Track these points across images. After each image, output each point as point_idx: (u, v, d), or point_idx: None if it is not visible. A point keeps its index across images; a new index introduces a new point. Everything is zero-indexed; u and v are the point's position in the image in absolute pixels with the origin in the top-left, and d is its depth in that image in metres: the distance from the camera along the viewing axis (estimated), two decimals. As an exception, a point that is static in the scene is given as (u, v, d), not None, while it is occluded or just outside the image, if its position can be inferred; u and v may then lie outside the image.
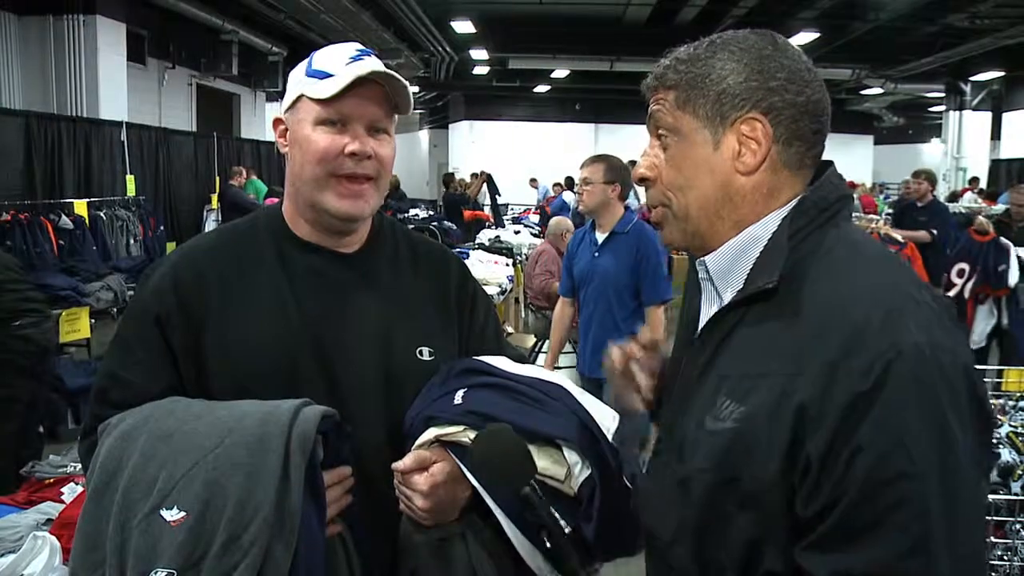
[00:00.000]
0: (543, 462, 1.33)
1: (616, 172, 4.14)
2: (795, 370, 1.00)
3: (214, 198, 12.40)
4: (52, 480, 2.82)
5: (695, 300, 1.27)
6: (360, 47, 1.50)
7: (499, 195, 14.97)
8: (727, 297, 1.16)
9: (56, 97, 10.82)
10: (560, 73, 20.63)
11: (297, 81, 1.48)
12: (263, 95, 17.82)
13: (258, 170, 14.22)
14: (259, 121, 17.82)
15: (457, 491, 1.38)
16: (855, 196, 14.40)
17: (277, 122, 1.53)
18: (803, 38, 14.83)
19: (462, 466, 1.35)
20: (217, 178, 13.05)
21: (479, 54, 18.45)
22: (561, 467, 1.35)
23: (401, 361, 1.51)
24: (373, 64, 1.44)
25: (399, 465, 1.38)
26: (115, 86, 11.32)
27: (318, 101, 1.43)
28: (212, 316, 1.45)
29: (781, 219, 1.13)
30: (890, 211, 11.35)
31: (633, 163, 1.86)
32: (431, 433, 1.38)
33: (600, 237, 4.21)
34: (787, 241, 1.10)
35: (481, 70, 20.78)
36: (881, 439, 0.94)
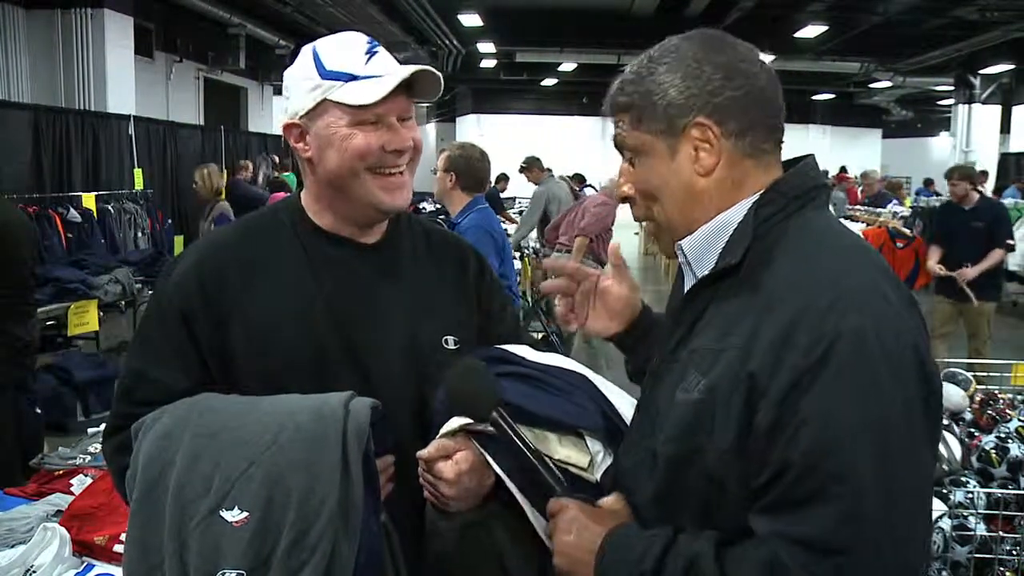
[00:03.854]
0: (567, 450, 1.35)
1: (451, 161, 4.03)
2: (749, 344, 1.07)
3: (223, 191, 12.41)
4: (61, 472, 2.83)
5: (679, 287, 1.32)
6: (366, 38, 1.50)
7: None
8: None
9: (64, 91, 10.84)
10: (567, 66, 20.60)
11: (313, 85, 1.45)
12: (270, 88, 17.84)
13: (266, 163, 14.24)
14: (266, 114, 17.84)
15: (482, 479, 1.39)
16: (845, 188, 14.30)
17: (290, 127, 1.50)
18: (811, 31, 14.79)
19: (486, 454, 1.36)
20: (225, 171, 13.06)
21: (486, 47, 18.44)
22: (584, 455, 1.36)
23: (428, 351, 1.52)
24: (403, 66, 1.45)
25: (423, 453, 1.39)
26: (123, 79, 11.32)
27: (355, 106, 1.42)
28: (238, 310, 1.45)
29: (750, 205, 1.18)
30: (920, 206, 10.93)
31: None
32: (456, 422, 1.38)
33: None
34: (753, 225, 1.16)
35: (488, 63, 20.76)
36: (821, 414, 1.00)
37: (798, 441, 1.01)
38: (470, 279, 1.65)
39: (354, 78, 1.43)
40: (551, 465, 1.28)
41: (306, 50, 1.50)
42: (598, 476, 1.36)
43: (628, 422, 1.39)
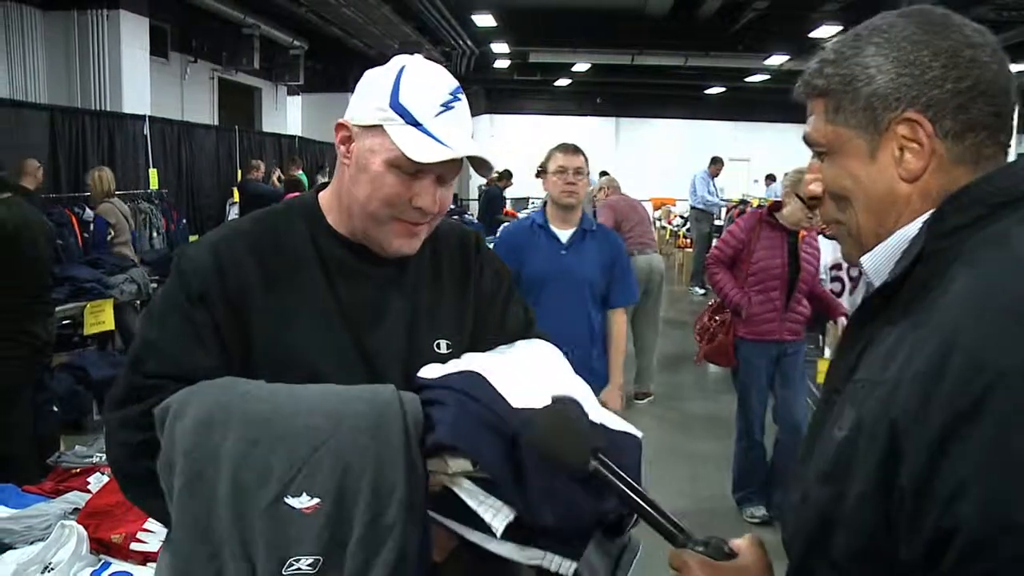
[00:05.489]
0: (454, 461, 1.28)
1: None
2: (900, 377, 0.89)
3: (236, 191, 12.46)
4: (78, 470, 2.86)
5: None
6: (453, 86, 1.48)
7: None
8: None
9: (80, 91, 10.89)
10: (581, 67, 20.56)
11: (378, 105, 1.43)
12: (284, 89, 17.87)
13: (280, 163, 14.28)
14: (280, 114, 17.88)
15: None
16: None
17: (341, 127, 1.49)
18: (826, 31, 14.71)
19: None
20: (239, 171, 13.12)
21: (500, 48, 18.42)
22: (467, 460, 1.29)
23: (420, 355, 1.52)
24: (467, 143, 1.44)
25: None
26: (138, 80, 11.36)
27: (402, 153, 1.40)
28: (254, 299, 1.45)
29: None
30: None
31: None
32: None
33: (565, 234, 3.88)
34: (924, 238, 0.98)
35: (502, 64, 20.73)
36: (990, 474, 0.79)
37: (958, 506, 0.80)
38: (469, 260, 1.65)
39: (417, 125, 1.41)
40: (666, 511, 1.15)
41: (395, 64, 1.47)
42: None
43: (533, 407, 1.26)
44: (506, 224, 4.09)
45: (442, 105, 1.43)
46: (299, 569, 1.21)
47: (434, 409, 1.31)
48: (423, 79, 1.45)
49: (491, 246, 3.87)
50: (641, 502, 1.13)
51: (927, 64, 1.01)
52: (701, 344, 5.02)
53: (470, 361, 1.45)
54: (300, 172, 13.16)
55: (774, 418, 4.96)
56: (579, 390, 1.43)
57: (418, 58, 1.51)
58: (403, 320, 1.53)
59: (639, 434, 1.43)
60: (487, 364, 1.41)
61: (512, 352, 1.55)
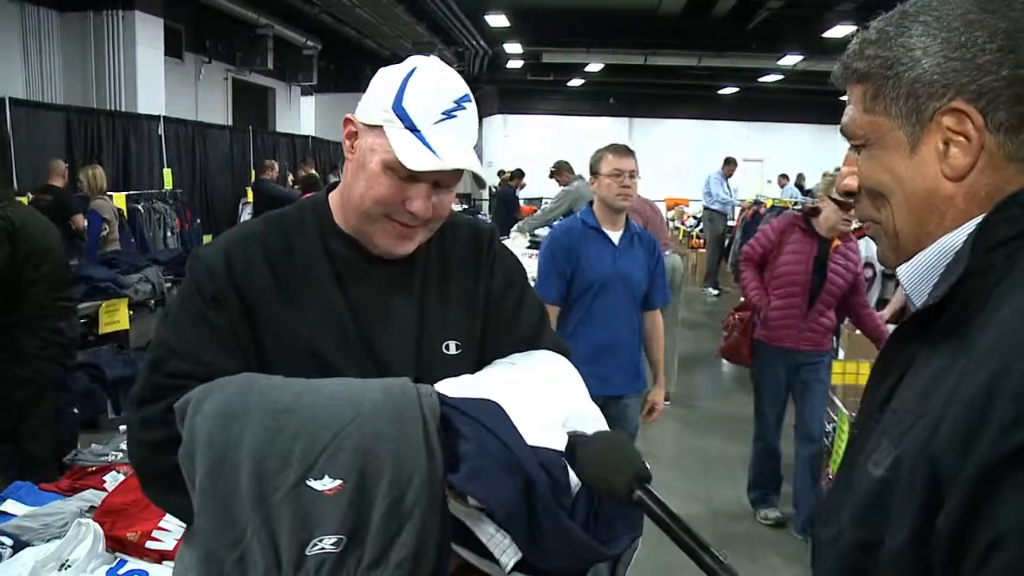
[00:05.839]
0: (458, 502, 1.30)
1: None
2: (942, 412, 0.80)
3: (250, 191, 12.52)
4: (94, 468, 2.87)
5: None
6: (459, 95, 1.45)
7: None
8: None
9: (95, 91, 10.98)
10: (594, 67, 20.56)
11: (382, 107, 1.43)
12: (297, 89, 17.95)
13: (292, 163, 14.33)
14: (294, 115, 17.95)
15: None
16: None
17: (348, 122, 1.50)
18: (840, 31, 14.66)
19: None
20: (252, 171, 13.17)
21: (513, 48, 18.44)
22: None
23: (429, 357, 1.52)
24: (460, 155, 1.41)
25: None
26: (153, 80, 11.45)
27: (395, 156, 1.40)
28: (266, 301, 1.46)
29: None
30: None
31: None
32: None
33: (615, 236, 3.80)
34: (970, 252, 0.87)
35: (515, 64, 20.76)
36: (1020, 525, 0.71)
37: (991, 564, 0.73)
38: (483, 260, 1.64)
39: (415, 131, 1.40)
40: (709, 546, 1.11)
41: (407, 65, 1.47)
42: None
43: (550, 442, 1.30)
44: (556, 223, 3.97)
45: (443, 113, 1.42)
46: (323, 548, 1.22)
47: (456, 440, 1.32)
48: (429, 84, 1.44)
49: (541, 246, 3.81)
50: (683, 535, 1.11)
51: (981, 47, 0.89)
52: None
53: (487, 381, 1.45)
54: (311, 172, 13.20)
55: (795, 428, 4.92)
56: (591, 413, 1.44)
57: (432, 60, 1.50)
58: (411, 320, 1.53)
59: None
60: (503, 391, 1.41)
61: (525, 368, 1.54)
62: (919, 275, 0.96)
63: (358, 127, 1.48)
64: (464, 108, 1.45)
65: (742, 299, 4.98)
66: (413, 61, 1.48)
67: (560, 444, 1.28)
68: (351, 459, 1.24)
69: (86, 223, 7.78)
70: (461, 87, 1.46)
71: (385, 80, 1.46)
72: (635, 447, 1.21)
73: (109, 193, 9.12)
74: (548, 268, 3.74)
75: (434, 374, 1.47)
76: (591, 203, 3.88)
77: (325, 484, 1.23)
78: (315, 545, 1.22)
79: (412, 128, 1.40)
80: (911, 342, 0.94)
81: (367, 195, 1.45)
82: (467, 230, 1.67)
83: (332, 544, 1.22)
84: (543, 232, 9.23)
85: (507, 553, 1.27)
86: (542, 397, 1.45)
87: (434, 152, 1.39)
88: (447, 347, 1.55)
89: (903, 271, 0.98)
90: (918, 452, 0.81)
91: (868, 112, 0.97)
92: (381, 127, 1.42)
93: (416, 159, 1.38)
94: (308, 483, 1.23)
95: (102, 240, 7.78)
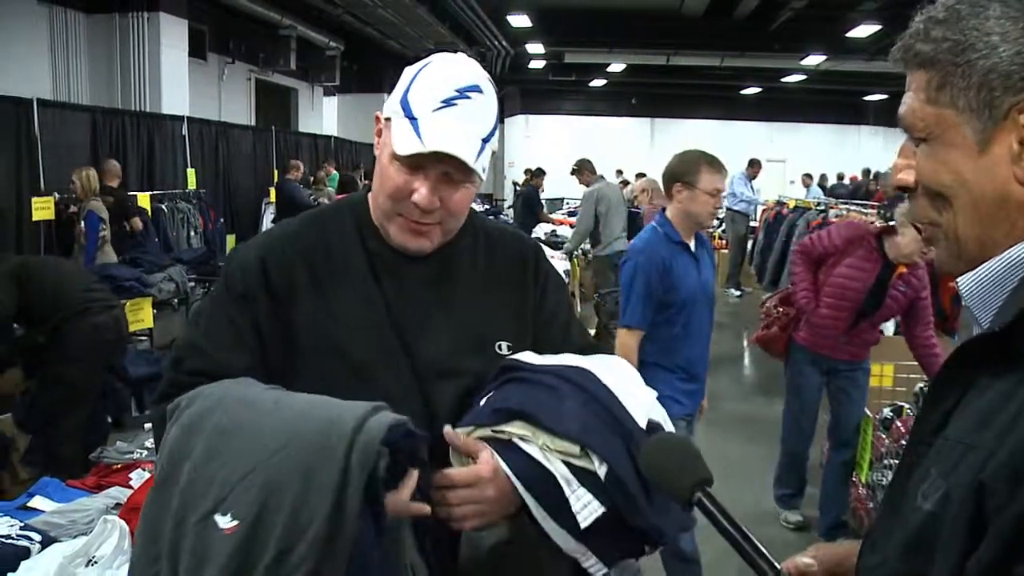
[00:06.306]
0: (560, 444, 1.31)
1: None
2: (996, 446, 0.74)
3: (272, 191, 12.59)
4: (120, 466, 2.91)
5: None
6: (464, 83, 1.42)
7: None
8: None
9: (121, 92, 11.11)
10: (616, 67, 20.53)
11: (395, 99, 1.43)
12: (320, 89, 18.03)
13: (315, 163, 14.39)
14: (316, 115, 18.03)
15: (501, 491, 1.34)
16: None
17: (376, 119, 1.51)
18: (864, 30, 14.57)
19: (501, 461, 1.33)
20: (275, 171, 13.24)
21: (535, 48, 18.44)
22: (574, 445, 1.31)
23: (481, 356, 1.51)
24: (446, 140, 1.38)
25: (448, 432, 1.37)
26: (177, 81, 11.56)
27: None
28: (302, 298, 1.46)
29: None
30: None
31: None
32: (461, 434, 1.37)
33: (692, 247, 3.55)
34: None
35: (537, 64, 20.76)
36: None
37: None
38: (528, 273, 1.63)
39: (412, 119, 1.39)
40: (761, 548, 1.10)
41: (426, 61, 1.47)
42: (599, 469, 1.30)
43: (638, 419, 1.33)
44: (638, 238, 3.61)
45: (442, 101, 1.40)
46: None
47: (542, 393, 1.32)
48: (436, 75, 1.43)
49: (627, 269, 3.53)
50: (740, 538, 1.10)
51: None
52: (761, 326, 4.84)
53: (571, 359, 1.46)
54: (333, 174, 13.25)
55: (828, 432, 4.84)
56: (663, 414, 1.44)
57: (454, 56, 1.49)
58: (458, 317, 1.52)
59: None
60: (593, 366, 1.42)
61: (601, 360, 1.51)
62: (983, 288, 0.86)
63: (381, 123, 1.49)
64: (468, 97, 1.42)
65: (784, 289, 4.82)
66: (434, 57, 1.49)
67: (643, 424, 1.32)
68: (257, 497, 1.18)
69: (142, 226, 7.81)
70: (471, 78, 1.44)
71: (405, 76, 1.47)
72: (693, 447, 1.21)
73: (134, 193, 9.23)
74: (645, 292, 3.42)
75: (488, 376, 1.47)
76: (663, 210, 3.61)
77: (227, 522, 1.18)
78: None
79: (411, 117, 1.40)
80: (968, 367, 0.85)
81: (382, 189, 1.46)
82: (512, 240, 1.68)
83: None
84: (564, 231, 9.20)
85: (587, 509, 1.26)
86: (628, 381, 1.45)
87: (419, 137, 1.38)
88: (499, 347, 1.53)
89: (964, 283, 0.88)
90: (967, 489, 0.75)
91: (932, 103, 0.86)
92: (390, 120, 1.44)
93: (403, 144, 1.38)
94: (215, 517, 1.18)
95: (101, 240, 7.80)
